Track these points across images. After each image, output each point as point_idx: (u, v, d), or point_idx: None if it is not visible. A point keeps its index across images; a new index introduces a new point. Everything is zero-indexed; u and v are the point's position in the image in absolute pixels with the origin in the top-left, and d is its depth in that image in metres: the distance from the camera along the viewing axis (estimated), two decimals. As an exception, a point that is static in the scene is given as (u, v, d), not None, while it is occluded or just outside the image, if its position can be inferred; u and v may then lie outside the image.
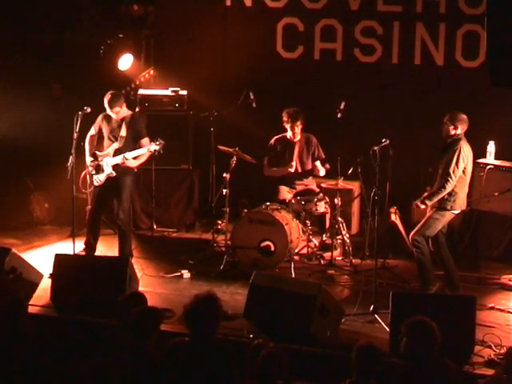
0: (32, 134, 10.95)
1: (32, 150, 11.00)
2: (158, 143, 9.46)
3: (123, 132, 9.42)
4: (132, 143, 9.49)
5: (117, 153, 9.43)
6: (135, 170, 9.68)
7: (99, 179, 9.48)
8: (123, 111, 9.45)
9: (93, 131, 9.58)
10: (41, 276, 8.66)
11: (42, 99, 11.08)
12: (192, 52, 11.38)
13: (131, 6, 11.24)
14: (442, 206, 8.62)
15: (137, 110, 11.01)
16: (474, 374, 7.03)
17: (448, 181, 8.53)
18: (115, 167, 9.44)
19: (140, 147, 9.50)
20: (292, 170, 10.11)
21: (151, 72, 11.55)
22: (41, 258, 9.55)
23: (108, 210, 9.92)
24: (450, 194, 8.60)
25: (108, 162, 9.43)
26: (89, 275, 8.29)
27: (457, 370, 6.19)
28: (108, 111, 9.40)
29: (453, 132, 8.64)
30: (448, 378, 6.03)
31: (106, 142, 9.54)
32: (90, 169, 9.47)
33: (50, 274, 8.64)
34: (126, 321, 6.28)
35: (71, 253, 9.24)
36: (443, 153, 8.68)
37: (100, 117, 9.55)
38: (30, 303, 8.08)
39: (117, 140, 9.44)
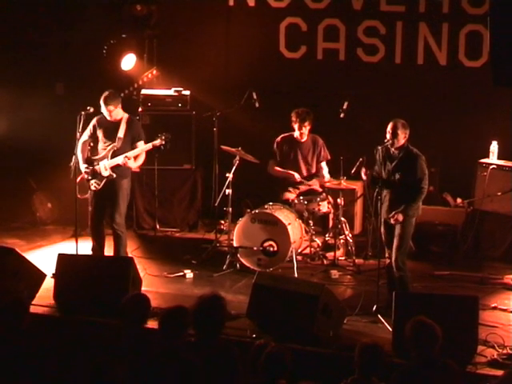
0: (35, 133, 10.96)
1: (35, 150, 11.00)
2: (163, 137, 9.37)
3: (121, 133, 9.25)
4: (129, 145, 9.32)
5: (115, 154, 9.27)
6: (138, 169, 9.64)
7: (97, 184, 9.31)
8: (118, 112, 9.27)
9: (86, 137, 9.34)
10: (44, 276, 8.65)
11: (45, 99, 11.08)
12: (195, 52, 11.37)
13: (134, 5, 11.22)
14: (411, 214, 8.37)
15: (139, 110, 11.01)
16: (476, 374, 7.03)
17: (423, 193, 8.34)
18: (114, 168, 9.30)
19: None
20: (297, 177, 10.09)
21: (154, 72, 11.53)
22: (44, 257, 9.56)
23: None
24: None
25: (106, 165, 9.25)
26: (92, 275, 8.30)
27: (458, 371, 6.18)
28: (102, 108, 9.19)
29: (403, 141, 8.39)
30: (449, 379, 6.03)
31: (100, 145, 9.32)
32: (86, 176, 9.27)
33: (53, 274, 8.66)
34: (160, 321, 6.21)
35: (74, 253, 9.22)
36: (400, 162, 8.37)
37: (94, 121, 9.35)
38: (32, 303, 8.09)
39: (113, 142, 9.28)
